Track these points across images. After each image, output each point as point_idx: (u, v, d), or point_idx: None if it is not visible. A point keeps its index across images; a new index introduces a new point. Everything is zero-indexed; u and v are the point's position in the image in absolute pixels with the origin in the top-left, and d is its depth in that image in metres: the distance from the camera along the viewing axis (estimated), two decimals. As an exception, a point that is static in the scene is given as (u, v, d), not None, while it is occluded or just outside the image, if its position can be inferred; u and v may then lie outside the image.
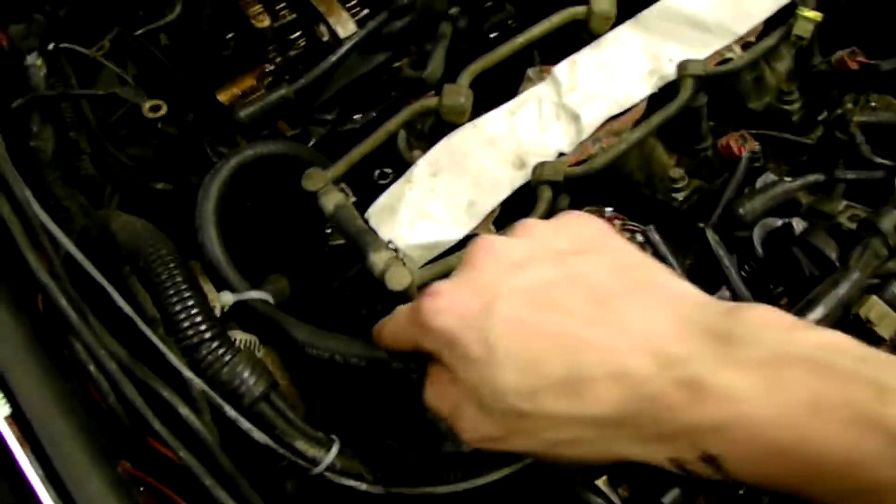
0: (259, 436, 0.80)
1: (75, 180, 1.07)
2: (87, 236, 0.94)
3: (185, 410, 0.75)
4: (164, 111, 1.01)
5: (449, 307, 0.65)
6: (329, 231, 1.09)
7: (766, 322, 0.59)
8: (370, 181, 1.10)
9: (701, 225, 1.06)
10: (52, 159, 1.02)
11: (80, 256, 0.80)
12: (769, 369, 0.55)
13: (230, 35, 1.18)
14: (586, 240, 0.69)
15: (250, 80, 1.17)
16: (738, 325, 0.58)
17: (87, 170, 1.11)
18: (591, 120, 1.03)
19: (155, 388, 0.74)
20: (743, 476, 0.56)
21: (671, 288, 0.64)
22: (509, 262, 0.66)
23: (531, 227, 0.71)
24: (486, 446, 0.67)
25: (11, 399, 0.65)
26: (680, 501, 0.86)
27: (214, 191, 0.98)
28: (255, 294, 0.95)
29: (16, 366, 0.66)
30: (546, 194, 0.96)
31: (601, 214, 1.07)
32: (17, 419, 0.65)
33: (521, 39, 1.06)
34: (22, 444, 0.64)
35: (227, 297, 0.93)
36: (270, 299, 0.96)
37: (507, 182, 0.99)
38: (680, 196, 1.08)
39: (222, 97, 1.16)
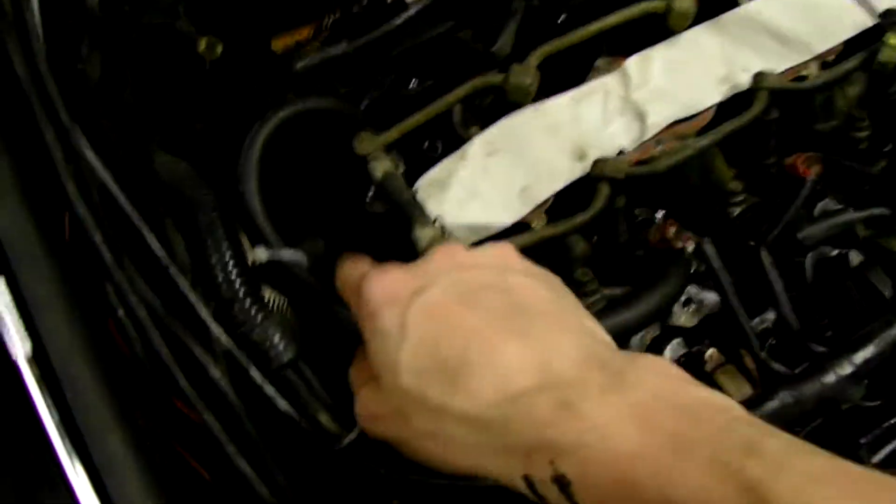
0: (282, 404, 0.77)
1: (117, 112, 1.03)
2: (126, 170, 0.90)
3: (216, 372, 0.71)
4: (220, 51, 0.96)
5: (386, 284, 0.69)
6: (369, 198, 1.05)
7: (659, 371, 0.60)
8: (419, 152, 1.06)
9: (752, 243, 1.03)
10: (98, 86, 0.98)
11: (118, 194, 0.77)
12: (644, 409, 0.56)
13: (293, -18, 1.13)
14: (537, 272, 0.74)
15: (307, 32, 1.13)
16: (632, 368, 0.60)
17: (129, 101, 1.07)
18: (657, 120, 0.99)
19: (186, 343, 0.70)
20: None
21: (585, 325, 0.67)
22: (459, 263, 0.71)
23: (504, 250, 0.76)
24: (369, 427, 0.72)
25: (35, 337, 0.61)
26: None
27: (261, 140, 0.94)
28: (289, 254, 0.92)
29: (44, 304, 0.61)
30: (604, 191, 0.92)
31: (652, 219, 1.04)
32: (39, 360, 0.61)
33: (595, 27, 1.02)
34: (41, 387, 0.60)
35: (262, 254, 0.89)
36: (305, 260, 0.93)
37: (565, 172, 0.95)
38: (736, 210, 1.04)
39: (276, 45, 1.11)
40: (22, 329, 0.60)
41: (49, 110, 0.72)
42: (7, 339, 0.60)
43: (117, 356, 0.74)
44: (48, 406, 0.59)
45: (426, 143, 1.07)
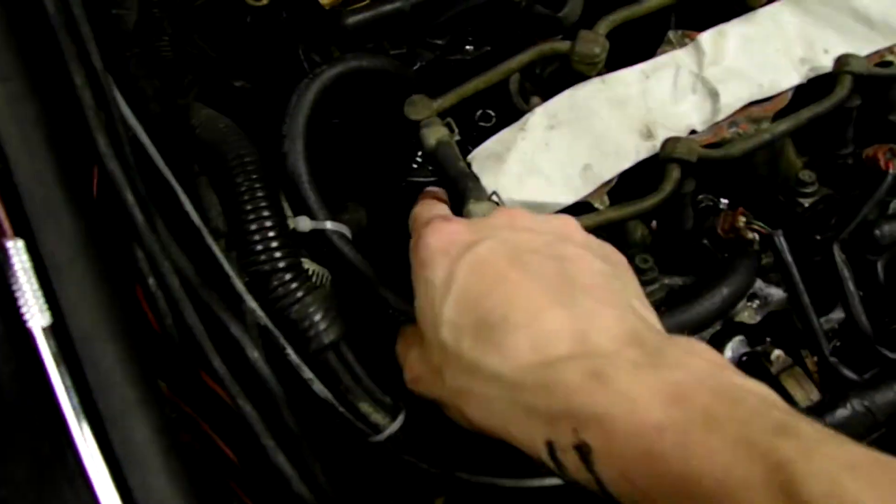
0: (320, 389, 0.71)
1: (152, 62, 0.97)
2: (161, 124, 0.84)
3: (254, 354, 0.65)
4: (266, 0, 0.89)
5: (444, 234, 0.69)
6: (415, 165, 0.99)
7: (697, 353, 0.59)
8: (470, 121, 1.00)
9: (821, 237, 0.96)
10: (133, 33, 0.91)
11: (151, 148, 0.70)
12: (677, 387, 0.54)
13: (345, -68, 1.06)
14: (596, 246, 0.72)
15: (355, -13, 1.05)
16: (670, 347, 0.59)
17: (165, 52, 1.01)
18: (731, 100, 0.92)
19: (221, 319, 0.64)
20: (608, 478, 0.54)
21: (632, 303, 0.65)
22: (517, 224, 0.71)
23: (566, 221, 0.75)
24: (416, 389, 0.70)
25: (54, 307, 0.55)
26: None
27: (309, 100, 0.88)
28: (333, 226, 0.85)
29: (66, 272, 0.55)
30: (674, 173, 0.85)
31: (717, 205, 0.97)
32: (57, 333, 0.55)
33: (670, -5, 0.94)
34: (58, 363, 0.54)
35: (305, 223, 0.83)
36: (348, 232, 0.86)
37: (632, 151, 0.88)
38: (806, 202, 0.96)
39: (325, 0, 1.04)
40: (41, 298, 0.54)
41: (81, 53, 0.65)
42: (25, 308, 0.54)
43: (144, 328, 0.68)
44: (66, 386, 0.53)
45: (479, 112, 1.00)
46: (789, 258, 0.88)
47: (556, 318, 0.61)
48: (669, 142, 0.87)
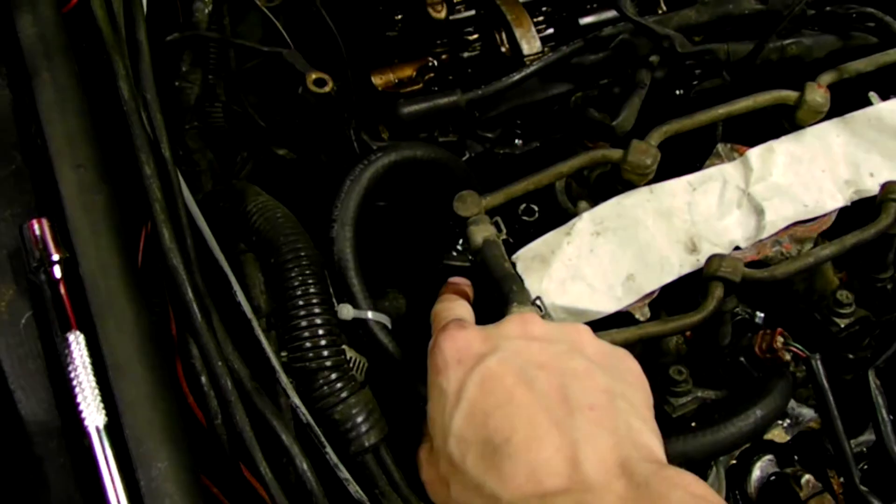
0: (355, 491, 0.71)
1: (207, 133, 0.97)
2: (214, 204, 0.84)
3: (304, 465, 0.65)
4: (329, 87, 0.90)
5: (459, 341, 0.71)
6: (455, 253, 0.99)
7: (682, 486, 0.60)
8: (514, 213, 1.00)
9: (852, 356, 0.97)
10: (195, 105, 0.92)
11: (216, 249, 0.71)
12: None
13: (399, 16, 1.07)
14: (606, 358, 0.72)
15: (410, 70, 1.07)
16: (658, 480, 0.60)
17: (217, 119, 1.02)
18: (775, 219, 0.92)
19: (274, 428, 0.64)
20: None
21: (631, 424, 0.66)
22: (529, 333, 0.72)
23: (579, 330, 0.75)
24: (428, 493, 0.71)
25: (110, 405, 0.55)
26: None
27: (362, 186, 0.88)
28: (374, 315, 0.85)
29: (124, 368, 0.55)
30: (717, 292, 0.86)
31: (752, 319, 0.97)
32: (111, 432, 0.55)
33: (723, 110, 0.96)
34: (109, 463, 0.54)
35: (348, 311, 0.83)
36: (388, 322, 0.86)
37: (676, 265, 0.88)
38: (842, 322, 0.96)
39: (377, 80, 1.06)
40: (98, 396, 0.54)
41: (152, 143, 0.66)
42: (83, 405, 0.54)
43: (189, 421, 0.68)
44: (115, 484, 0.53)
45: (522, 206, 1.01)
46: (825, 384, 0.88)
47: (551, 446, 0.63)
48: (714, 259, 0.87)
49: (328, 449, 0.69)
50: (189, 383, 0.66)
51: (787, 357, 0.89)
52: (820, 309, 0.98)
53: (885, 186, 0.95)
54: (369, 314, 0.84)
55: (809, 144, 0.98)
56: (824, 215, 0.95)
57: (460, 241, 1.01)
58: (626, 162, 0.90)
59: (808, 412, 0.94)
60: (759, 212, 0.93)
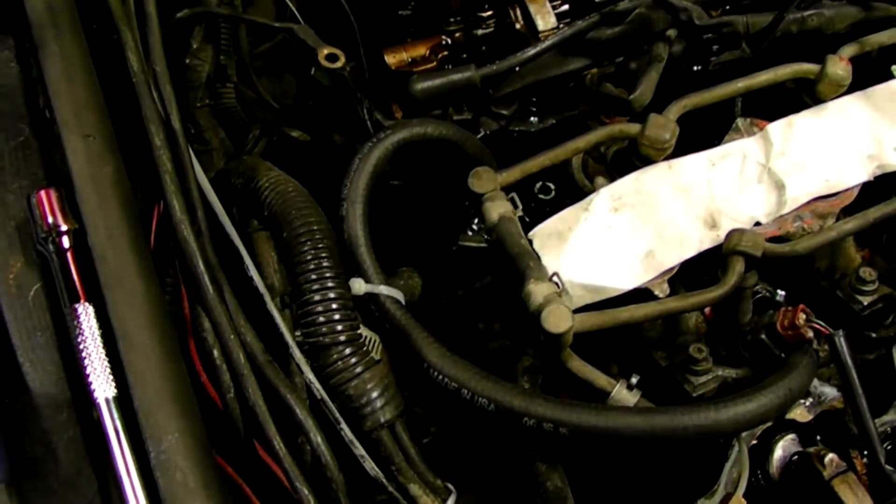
0: (371, 467, 0.70)
1: (219, 112, 0.97)
2: (226, 181, 0.83)
3: (318, 439, 0.64)
4: (341, 63, 0.89)
5: None
6: (470, 233, 0.98)
7: None
8: (530, 191, 0.99)
9: (874, 335, 0.95)
10: (206, 84, 0.91)
11: (228, 223, 0.70)
12: None
13: (413, -5, 1.06)
14: None
15: (423, 49, 1.06)
16: None
17: (228, 100, 1.01)
18: (797, 194, 0.91)
19: (287, 402, 0.63)
20: None
21: None
22: None
23: None
24: None
25: (120, 376, 0.54)
26: None
27: (372, 164, 0.87)
28: (385, 290, 0.84)
29: (133, 339, 0.54)
30: (738, 267, 0.84)
31: (773, 297, 0.95)
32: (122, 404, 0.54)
33: (742, 84, 0.94)
34: (119, 435, 0.53)
35: (360, 286, 0.82)
36: (402, 298, 0.85)
37: (696, 240, 0.87)
38: (865, 300, 0.95)
39: (390, 59, 1.04)
40: (108, 368, 0.53)
41: (162, 115, 0.65)
42: (92, 376, 0.53)
43: (202, 397, 0.66)
44: (125, 456, 0.52)
45: (539, 184, 0.99)
46: (849, 361, 0.86)
47: None
48: (735, 234, 0.85)
49: (343, 425, 0.68)
50: (202, 361, 0.65)
51: (810, 334, 0.87)
52: (842, 287, 0.96)
53: (910, 160, 0.93)
54: (382, 288, 0.83)
55: (831, 118, 0.96)
56: (846, 190, 0.93)
57: (475, 220, 1.00)
58: (643, 137, 0.89)
59: (830, 391, 0.93)
60: (779, 187, 0.91)
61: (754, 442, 0.93)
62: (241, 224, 0.84)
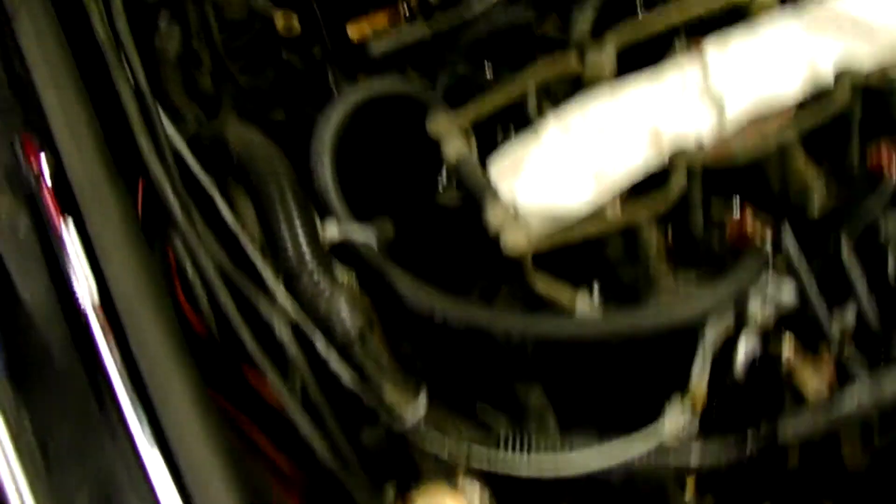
0: (347, 378, 0.76)
1: (192, 92, 1.04)
2: (198, 144, 0.90)
3: (282, 328, 0.70)
4: (297, 26, 0.96)
5: None
6: (442, 179, 1.04)
7: None
8: (493, 142, 1.05)
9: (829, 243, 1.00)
10: (175, 62, 0.99)
11: (186, 153, 0.76)
12: None
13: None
14: None
15: (382, 19, 1.13)
16: None
17: (204, 85, 1.08)
18: (736, 112, 0.96)
19: (252, 301, 0.69)
20: None
21: None
22: None
23: None
24: None
25: (101, 283, 0.60)
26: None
27: (336, 119, 0.94)
28: (359, 231, 0.91)
29: (112, 249, 0.61)
30: (681, 180, 0.90)
31: (729, 206, 1.00)
32: (106, 306, 0.61)
33: (676, 15, 0.99)
34: (105, 334, 0.59)
35: (332, 230, 0.89)
36: (374, 240, 0.92)
37: (641, 160, 0.93)
38: (816, 206, 0.99)
39: (352, 32, 1.11)
40: (90, 274, 0.60)
41: (126, 65, 0.72)
42: (76, 285, 0.59)
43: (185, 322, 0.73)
44: (112, 353, 0.58)
45: (500, 133, 1.05)
46: (796, 253, 0.91)
47: None
48: (676, 152, 0.91)
49: (317, 342, 0.74)
50: (182, 286, 0.72)
51: (758, 234, 0.92)
52: (796, 201, 1.02)
53: (839, 73, 0.98)
54: (353, 227, 0.89)
55: (765, 37, 1.01)
56: (784, 107, 0.98)
57: (443, 171, 1.06)
58: (584, 67, 0.95)
59: (787, 295, 0.97)
60: (719, 106, 0.97)
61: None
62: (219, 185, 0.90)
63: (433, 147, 0.96)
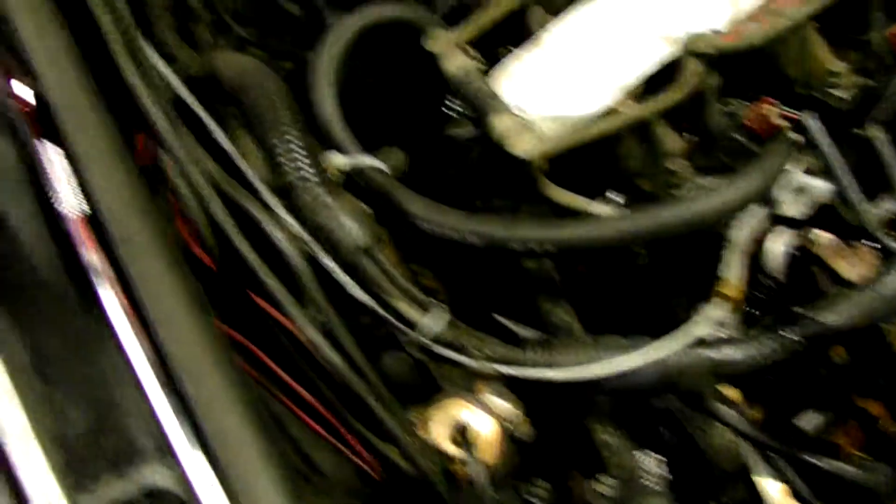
0: (357, 292, 0.73)
1: (188, 42, 1.02)
2: (192, 81, 0.88)
3: (281, 238, 0.67)
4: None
5: None
6: (448, 105, 1.01)
7: None
8: (496, 60, 1.02)
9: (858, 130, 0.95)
10: (167, 11, 0.96)
11: (174, 79, 0.74)
12: None
13: None
14: None
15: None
16: None
17: (202, 37, 1.06)
18: (750, 3, 0.92)
19: (249, 212, 0.67)
20: None
21: None
22: None
23: None
24: None
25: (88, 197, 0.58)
26: (815, 424, 0.77)
27: (333, 49, 0.91)
28: (368, 160, 0.88)
29: (98, 168, 0.59)
30: (693, 66, 0.86)
31: (754, 100, 0.96)
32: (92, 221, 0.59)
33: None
34: (93, 247, 0.57)
35: (339, 159, 0.85)
36: (385, 168, 0.89)
37: (653, 55, 0.89)
38: (840, 93, 0.95)
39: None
40: (79, 192, 0.58)
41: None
42: (62, 202, 0.58)
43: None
44: (101, 263, 0.56)
45: (503, 51, 1.02)
46: (824, 138, 0.87)
47: None
48: (689, 38, 0.87)
49: (320, 254, 0.71)
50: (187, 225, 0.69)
51: (781, 122, 0.88)
52: (816, 88, 0.97)
53: (854, -54, 0.94)
54: (362, 158, 0.86)
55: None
56: (797, -8, 0.94)
57: (449, 98, 1.03)
58: (583, -30, 0.91)
59: (821, 183, 0.93)
60: (732, -3, 0.93)
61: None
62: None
63: (437, 74, 0.92)
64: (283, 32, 1.17)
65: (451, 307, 0.85)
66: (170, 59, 0.94)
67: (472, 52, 0.90)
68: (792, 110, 0.89)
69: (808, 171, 0.93)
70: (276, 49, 1.15)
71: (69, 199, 0.58)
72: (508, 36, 0.97)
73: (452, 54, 0.89)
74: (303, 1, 1.13)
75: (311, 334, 0.68)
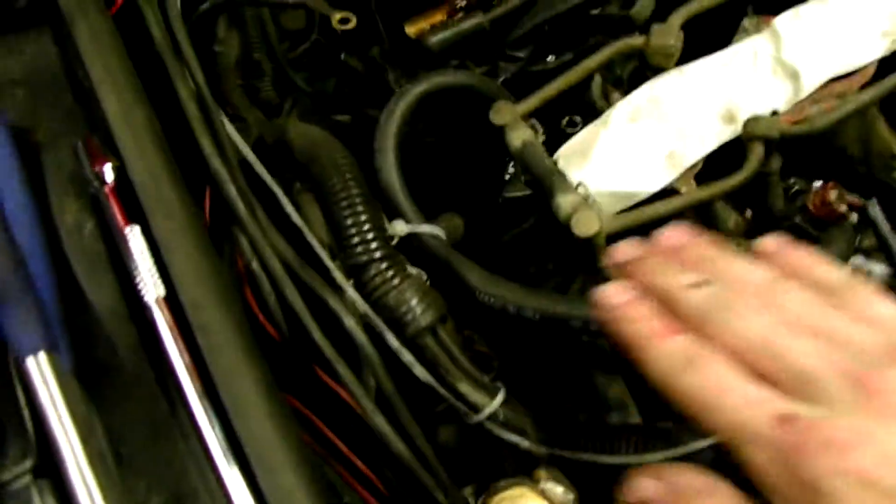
0: (420, 372, 0.74)
1: (253, 98, 1.03)
2: (262, 146, 0.90)
3: (350, 321, 0.69)
4: (353, 23, 0.96)
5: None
6: (508, 177, 1.02)
7: None
8: (557, 129, 1.03)
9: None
10: (235, 67, 0.98)
11: (249, 154, 0.75)
12: None
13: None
14: None
15: (440, 15, 1.11)
16: None
17: (266, 92, 1.07)
18: (812, 79, 0.92)
19: (320, 294, 0.68)
20: None
21: None
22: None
23: None
24: None
25: (167, 281, 0.60)
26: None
27: (398, 114, 0.92)
28: (427, 228, 0.89)
29: (176, 250, 0.60)
30: (758, 150, 0.86)
31: (809, 187, 0.97)
32: (171, 304, 0.60)
33: (742, -13, 0.96)
34: (172, 331, 0.59)
35: (400, 227, 0.87)
36: (443, 235, 0.90)
37: (714, 135, 0.89)
38: (903, 172, 0.95)
39: (410, 30, 1.10)
40: (156, 274, 0.59)
41: (186, 71, 0.71)
42: (141, 284, 0.59)
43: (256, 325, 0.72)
44: (179, 351, 0.58)
45: (565, 120, 1.03)
46: (886, 226, 0.87)
47: None
48: (750, 121, 0.88)
49: (387, 334, 0.72)
50: (249, 285, 0.71)
51: (843, 208, 0.88)
52: (877, 167, 0.98)
53: (921, 30, 0.94)
54: (422, 227, 0.87)
55: (838, 3, 0.97)
56: (863, 68, 0.94)
57: (510, 166, 1.04)
58: (649, 47, 0.92)
59: (879, 267, 0.93)
60: (794, 76, 0.93)
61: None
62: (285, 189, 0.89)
63: (498, 141, 0.93)
64: (343, 85, 1.18)
65: (502, 376, 0.86)
66: (238, 120, 0.97)
67: (536, 124, 0.91)
68: (854, 195, 0.89)
69: (866, 253, 0.94)
70: (334, 102, 1.17)
71: (149, 283, 0.59)
72: (569, 105, 0.99)
73: (517, 126, 0.90)
74: (364, 56, 1.14)
75: (368, 407, 0.69)
